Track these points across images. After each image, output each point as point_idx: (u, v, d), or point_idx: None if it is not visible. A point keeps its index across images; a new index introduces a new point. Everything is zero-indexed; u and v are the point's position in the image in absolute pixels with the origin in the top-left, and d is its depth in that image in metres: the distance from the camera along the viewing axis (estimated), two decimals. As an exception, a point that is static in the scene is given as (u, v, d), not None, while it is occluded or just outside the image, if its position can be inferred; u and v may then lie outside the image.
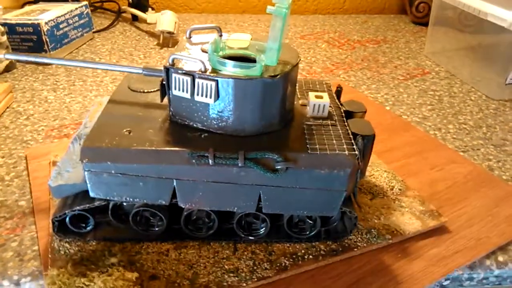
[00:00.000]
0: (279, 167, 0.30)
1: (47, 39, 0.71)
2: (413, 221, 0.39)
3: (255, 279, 0.32)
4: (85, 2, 0.84)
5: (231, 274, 0.33)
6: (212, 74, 0.30)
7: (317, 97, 0.35)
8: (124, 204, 0.35)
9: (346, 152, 0.31)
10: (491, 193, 0.44)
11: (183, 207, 0.33)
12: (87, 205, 0.33)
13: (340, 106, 0.38)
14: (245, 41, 0.35)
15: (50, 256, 0.34)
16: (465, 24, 0.75)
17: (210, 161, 0.30)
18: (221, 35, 0.36)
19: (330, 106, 0.36)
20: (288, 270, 0.33)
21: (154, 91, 0.38)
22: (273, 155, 0.30)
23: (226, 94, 0.31)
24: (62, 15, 0.75)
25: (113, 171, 0.31)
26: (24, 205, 0.40)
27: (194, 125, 0.33)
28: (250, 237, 0.35)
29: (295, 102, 0.37)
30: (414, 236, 0.38)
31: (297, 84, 0.38)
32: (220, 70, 0.31)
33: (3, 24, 0.68)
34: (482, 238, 0.38)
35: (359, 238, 0.37)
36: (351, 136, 0.33)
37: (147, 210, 0.34)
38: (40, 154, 0.47)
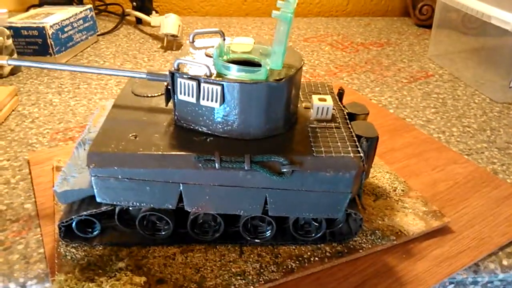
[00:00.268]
0: (285, 170, 0.30)
1: (52, 42, 0.71)
2: (417, 222, 0.39)
3: (262, 282, 0.33)
4: (90, 6, 0.84)
5: (238, 277, 0.33)
6: (217, 79, 0.30)
7: (320, 99, 0.35)
8: (131, 208, 0.35)
9: (351, 154, 0.31)
10: (492, 193, 0.45)
11: (190, 211, 0.33)
12: (94, 210, 0.33)
13: (343, 108, 0.38)
14: (248, 45, 0.35)
15: (56, 261, 0.34)
16: (469, 26, 0.75)
17: (217, 165, 0.30)
18: (224, 39, 0.36)
19: (333, 109, 0.36)
20: (295, 273, 0.34)
21: (158, 95, 0.38)
22: (279, 158, 0.30)
23: (231, 98, 0.31)
24: (66, 19, 0.75)
25: (120, 176, 0.31)
26: (30, 208, 0.40)
27: (200, 129, 0.33)
28: (256, 240, 0.36)
29: (299, 105, 0.37)
30: (418, 236, 0.38)
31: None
32: (225, 75, 0.31)
33: (9, 28, 0.69)
34: (484, 238, 0.39)
35: (364, 240, 0.37)
36: (355, 138, 0.33)
37: (154, 215, 0.34)
38: (43, 159, 0.47)
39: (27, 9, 0.95)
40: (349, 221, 0.37)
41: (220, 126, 0.32)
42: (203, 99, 0.31)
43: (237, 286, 0.32)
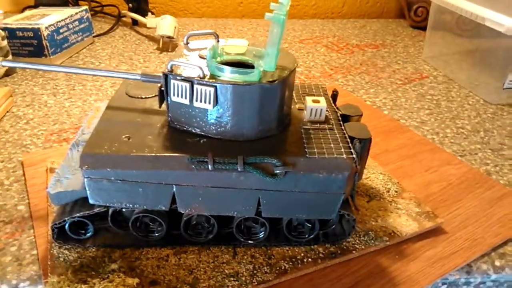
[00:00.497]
0: (278, 171, 0.30)
1: (47, 44, 0.71)
2: (410, 223, 0.39)
3: (255, 283, 0.33)
4: (85, 7, 0.84)
5: (232, 279, 0.33)
6: (210, 80, 0.30)
7: (314, 101, 0.36)
8: (124, 210, 0.35)
9: (344, 156, 0.31)
10: (485, 194, 0.45)
11: (183, 212, 0.33)
12: (87, 212, 0.33)
13: (336, 110, 0.38)
14: (242, 46, 0.35)
15: (49, 263, 0.34)
16: (463, 28, 0.76)
17: (210, 166, 0.30)
18: (218, 41, 0.36)
19: (327, 110, 0.37)
20: (288, 274, 0.34)
21: (152, 97, 0.38)
22: (272, 159, 0.31)
23: (224, 100, 0.31)
24: (62, 20, 0.75)
25: (112, 178, 0.31)
26: (23, 210, 0.40)
27: (193, 131, 0.33)
28: (250, 241, 0.36)
29: (292, 107, 0.37)
30: (411, 237, 0.38)
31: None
32: (218, 76, 0.31)
33: (4, 29, 0.69)
34: (477, 238, 0.39)
35: (357, 241, 0.37)
36: (348, 139, 0.33)
37: (147, 216, 0.34)
38: (37, 161, 0.47)
39: (22, 10, 0.94)
40: (342, 222, 0.37)
41: (213, 128, 0.32)
42: (196, 100, 0.31)
43: (230, 287, 0.32)
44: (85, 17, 0.83)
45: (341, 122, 0.36)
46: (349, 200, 0.36)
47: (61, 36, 0.75)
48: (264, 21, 1.10)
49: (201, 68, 0.31)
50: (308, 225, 0.36)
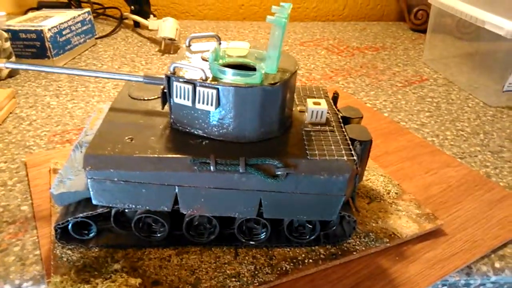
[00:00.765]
0: (279, 173, 0.31)
1: (50, 46, 0.72)
2: (410, 224, 0.40)
3: (257, 284, 0.33)
4: (88, 9, 0.85)
5: (233, 279, 0.33)
6: (213, 82, 0.31)
7: (315, 103, 0.36)
8: (126, 211, 0.36)
9: (345, 158, 0.32)
10: (485, 196, 0.45)
11: (185, 213, 0.34)
12: (90, 212, 0.34)
13: (337, 112, 0.38)
14: (244, 49, 0.36)
15: (52, 263, 0.34)
16: (463, 31, 0.76)
17: (212, 168, 0.30)
18: (220, 43, 0.37)
19: (327, 112, 0.37)
20: (289, 274, 0.34)
21: (154, 98, 0.39)
22: (273, 161, 0.31)
23: (226, 102, 0.31)
24: (65, 22, 0.76)
25: (116, 179, 0.31)
26: (26, 210, 0.40)
27: (195, 132, 0.34)
28: (251, 242, 0.36)
29: (293, 109, 0.37)
30: (411, 239, 0.39)
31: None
32: (220, 78, 0.31)
33: (7, 31, 0.69)
34: (477, 240, 0.39)
35: (358, 242, 0.37)
36: (349, 141, 0.34)
37: (149, 217, 0.35)
38: (40, 161, 0.47)
39: (26, 12, 0.95)
40: (343, 223, 0.37)
41: (215, 129, 0.33)
42: (199, 102, 0.31)
43: (231, 287, 0.33)
44: (87, 19, 0.83)
45: (342, 124, 0.36)
46: (349, 202, 0.37)
47: (63, 38, 0.75)
48: (265, 23, 1.10)
49: (203, 70, 0.31)
50: (309, 226, 0.36)
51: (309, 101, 0.36)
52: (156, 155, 0.31)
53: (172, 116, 0.34)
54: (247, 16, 1.16)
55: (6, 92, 0.59)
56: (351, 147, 0.33)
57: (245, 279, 0.33)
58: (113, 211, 0.35)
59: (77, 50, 0.81)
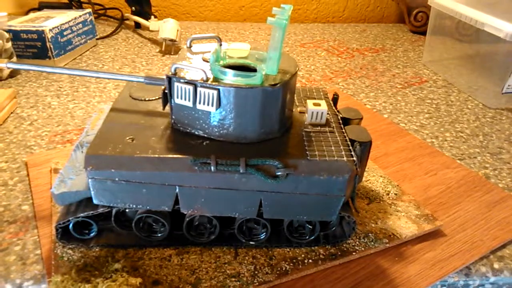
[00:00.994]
0: (279, 173, 0.31)
1: (51, 46, 0.72)
2: (409, 225, 0.40)
3: (257, 284, 0.33)
4: (89, 10, 0.85)
5: (233, 279, 0.33)
6: (213, 83, 0.31)
7: (315, 104, 0.36)
8: (127, 210, 0.36)
9: (345, 159, 0.32)
10: (484, 197, 0.45)
11: (186, 213, 0.34)
12: (91, 212, 0.34)
13: (337, 113, 0.38)
14: (244, 50, 0.36)
15: (53, 262, 0.34)
16: (463, 33, 0.77)
17: (212, 168, 0.31)
18: (221, 45, 0.37)
19: (327, 113, 0.37)
20: (289, 275, 0.34)
21: (155, 99, 0.39)
22: (274, 161, 0.31)
23: (227, 103, 0.31)
24: (66, 22, 0.76)
25: (116, 178, 0.31)
26: (27, 210, 0.41)
27: (196, 133, 0.34)
28: (251, 242, 0.36)
29: (293, 110, 0.38)
30: (410, 240, 0.39)
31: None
32: (221, 79, 0.31)
33: (8, 31, 0.69)
34: (476, 241, 0.39)
35: (357, 242, 0.37)
36: (349, 142, 0.34)
37: (150, 217, 0.35)
38: (41, 161, 0.47)
39: (27, 13, 0.95)
40: (342, 224, 0.37)
41: (216, 130, 0.33)
42: (200, 103, 0.32)
43: (232, 287, 0.33)
44: (88, 20, 0.84)
45: (342, 125, 0.36)
46: (349, 203, 0.37)
47: (65, 39, 0.76)
48: (265, 24, 1.10)
49: (204, 71, 0.31)
50: (309, 226, 0.36)
51: (309, 102, 0.36)
52: (157, 155, 0.31)
53: (173, 117, 0.34)
54: (247, 17, 1.17)
55: (7, 92, 0.59)
56: (351, 148, 0.33)
57: (245, 279, 0.33)
58: (113, 211, 0.35)
59: (78, 51, 0.81)
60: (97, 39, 0.89)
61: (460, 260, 0.37)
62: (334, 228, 0.37)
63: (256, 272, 0.34)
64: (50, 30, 0.71)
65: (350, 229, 0.36)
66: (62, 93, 0.66)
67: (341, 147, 0.33)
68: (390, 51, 0.94)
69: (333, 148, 0.33)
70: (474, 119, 0.64)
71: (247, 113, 0.32)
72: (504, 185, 0.48)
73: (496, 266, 0.37)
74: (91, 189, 0.32)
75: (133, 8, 0.97)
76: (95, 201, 0.33)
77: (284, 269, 0.34)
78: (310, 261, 0.35)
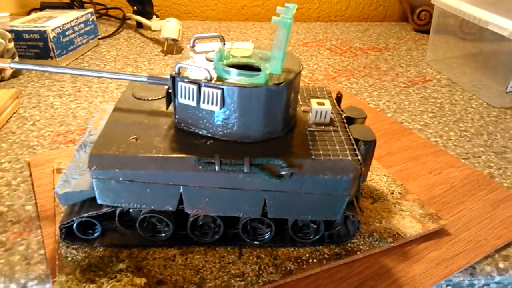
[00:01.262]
0: (284, 172, 0.31)
1: (53, 46, 0.72)
2: (414, 224, 0.40)
3: (261, 283, 0.33)
4: (91, 10, 0.85)
5: (238, 279, 0.33)
6: (217, 83, 0.31)
7: (319, 103, 0.36)
8: (131, 210, 0.36)
9: (349, 158, 0.32)
10: (488, 196, 0.45)
11: (190, 213, 0.34)
12: (95, 212, 0.34)
13: (341, 112, 0.38)
14: (248, 49, 0.36)
15: (57, 262, 0.34)
16: (466, 32, 0.76)
17: (217, 167, 0.30)
18: (224, 44, 0.37)
19: (331, 113, 0.37)
20: (293, 274, 0.34)
21: (158, 99, 0.39)
22: (278, 161, 0.31)
23: (231, 102, 0.31)
24: (68, 22, 0.76)
25: (121, 178, 0.31)
26: (31, 210, 0.41)
27: (200, 132, 0.34)
28: (255, 242, 0.36)
29: (297, 109, 0.37)
30: (415, 239, 0.39)
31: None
32: (225, 79, 0.31)
33: (10, 31, 0.69)
34: (480, 240, 0.39)
35: (362, 242, 0.37)
36: (353, 142, 0.34)
37: (154, 216, 0.35)
38: (43, 161, 0.47)
39: (29, 13, 0.95)
40: (347, 223, 0.37)
41: (220, 129, 0.33)
42: (203, 102, 0.32)
43: (236, 287, 0.33)
44: (90, 20, 0.84)
45: (346, 125, 0.36)
46: (353, 202, 0.37)
47: (67, 39, 0.76)
48: (268, 24, 1.10)
49: (208, 71, 0.31)
50: (314, 226, 0.36)
51: (313, 102, 0.36)
52: (161, 155, 0.31)
53: (177, 116, 0.34)
54: (249, 16, 1.17)
55: (9, 93, 0.59)
56: (355, 147, 0.33)
57: (249, 278, 0.33)
58: (117, 211, 0.35)
59: (80, 51, 0.81)
60: (99, 39, 0.89)
61: (465, 259, 0.37)
62: (338, 228, 0.37)
63: (260, 272, 0.34)
64: (52, 30, 0.71)
65: (354, 228, 0.36)
66: (64, 93, 0.66)
67: (346, 146, 0.33)
68: (393, 50, 0.94)
69: (337, 147, 0.33)
70: (478, 118, 0.64)
71: (251, 112, 0.32)
72: (509, 184, 0.48)
73: (501, 265, 0.37)
74: (95, 189, 0.32)
75: (135, 7, 0.97)
76: (99, 201, 0.33)
77: (288, 268, 0.34)
78: (315, 260, 0.35)
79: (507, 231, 0.40)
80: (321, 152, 0.32)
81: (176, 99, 0.33)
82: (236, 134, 0.33)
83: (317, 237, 0.36)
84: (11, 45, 0.68)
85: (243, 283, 0.33)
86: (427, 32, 0.98)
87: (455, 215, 0.42)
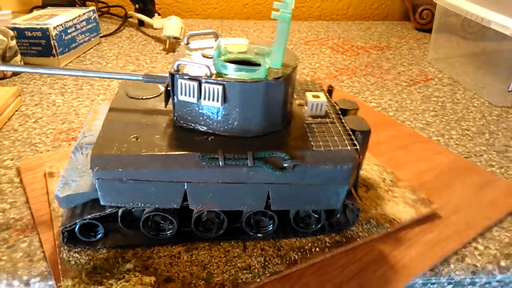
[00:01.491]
0: (286, 165, 0.31)
1: (55, 44, 0.72)
2: (408, 209, 0.41)
3: (268, 274, 0.33)
4: (93, 7, 0.85)
5: (245, 271, 0.34)
6: (218, 79, 0.31)
7: (314, 96, 0.36)
8: (134, 210, 0.35)
9: (349, 147, 0.32)
10: (474, 180, 0.47)
11: (194, 209, 0.34)
12: (98, 213, 0.33)
13: (334, 104, 0.39)
14: (243, 45, 0.36)
15: (60, 267, 0.33)
16: (468, 31, 0.76)
17: (221, 163, 0.30)
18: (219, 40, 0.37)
19: (326, 105, 0.37)
20: (298, 264, 0.35)
21: (153, 97, 0.39)
22: (281, 153, 0.31)
23: (232, 97, 0.31)
24: (70, 20, 0.76)
25: (124, 178, 0.31)
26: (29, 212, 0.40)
27: (200, 129, 0.33)
28: (259, 235, 0.36)
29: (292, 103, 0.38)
30: (409, 223, 0.40)
31: None
32: (225, 74, 0.31)
33: (12, 29, 0.70)
34: (470, 222, 0.41)
35: (360, 229, 0.38)
36: (350, 132, 0.34)
37: (158, 215, 0.35)
38: (34, 166, 0.46)
39: (31, 11, 0.96)
40: (346, 211, 0.38)
41: (220, 125, 0.33)
42: (204, 99, 0.32)
43: (244, 279, 0.33)
44: (92, 18, 0.84)
45: (341, 116, 0.37)
46: (351, 191, 0.37)
47: (69, 36, 0.76)
48: (269, 22, 1.10)
49: (208, 67, 0.31)
50: (315, 216, 0.37)
51: (308, 95, 0.36)
52: (164, 153, 0.31)
53: (176, 114, 0.34)
54: (251, 15, 1.17)
55: (11, 90, 0.59)
56: (352, 137, 0.33)
57: (256, 270, 0.34)
58: (120, 211, 0.34)
59: (82, 49, 0.81)
60: (101, 37, 0.89)
61: (458, 239, 0.38)
62: (338, 216, 0.38)
63: (266, 263, 0.34)
64: (54, 28, 0.71)
65: (354, 216, 0.37)
66: (66, 91, 0.66)
67: (343, 137, 0.33)
68: (395, 48, 0.94)
69: (336, 138, 0.33)
70: (480, 117, 0.64)
71: (251, 107, 0.32)
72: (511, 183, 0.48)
73: (502, 263, 0.37)
74: (98, 190, 0.32)
75: (137, 5, 0.97)
76: (102, 202, 0.32)
77: (293, 258, 0.35)
78: (317, 249, 0.36)
79: (494, 212, 0.42)
80: (321, 143, 0.32)
81: (175, 96, 0.33)
82: (236, 129, 0.33)
83: (318, 226, 0.37)
84: (13, 42, 0.68)
85: (250, 275, 0.33)
86: (429, 31, 0.98)
87: (445, 198, 0.44)
